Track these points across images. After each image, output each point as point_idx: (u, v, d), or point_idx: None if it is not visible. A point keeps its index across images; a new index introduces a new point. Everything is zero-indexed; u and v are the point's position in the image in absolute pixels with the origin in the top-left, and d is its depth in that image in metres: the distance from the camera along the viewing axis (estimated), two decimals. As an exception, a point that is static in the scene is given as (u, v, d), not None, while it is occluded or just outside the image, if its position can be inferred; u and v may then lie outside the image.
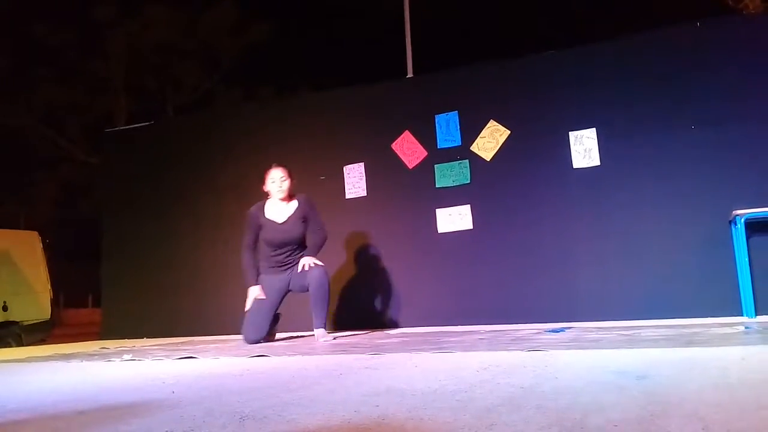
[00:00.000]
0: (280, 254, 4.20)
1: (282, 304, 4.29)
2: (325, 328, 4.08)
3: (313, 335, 4.09)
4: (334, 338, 4.05)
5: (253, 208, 4.28)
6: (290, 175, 4.25)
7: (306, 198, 4.29)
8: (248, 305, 4.15)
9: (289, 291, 4.25)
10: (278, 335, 4.48)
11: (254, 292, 4.17)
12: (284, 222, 4.20)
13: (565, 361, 2.19)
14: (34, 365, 3.29)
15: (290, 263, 4.21)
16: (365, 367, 2.35)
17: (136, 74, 19.14)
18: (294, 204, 4.25)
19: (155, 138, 6.49)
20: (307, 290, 4.08)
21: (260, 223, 4.22)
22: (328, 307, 4.10)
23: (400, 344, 3.31)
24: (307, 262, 4.10)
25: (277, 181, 4.21)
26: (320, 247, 4.23)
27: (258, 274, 4.23)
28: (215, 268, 5.85)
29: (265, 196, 4.31)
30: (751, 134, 4.37)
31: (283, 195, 4.21)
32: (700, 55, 4.56)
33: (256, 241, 4.25)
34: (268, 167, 4.26)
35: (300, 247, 4.25)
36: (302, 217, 4.22)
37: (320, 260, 4.13)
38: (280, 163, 4.29)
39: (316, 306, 4.05)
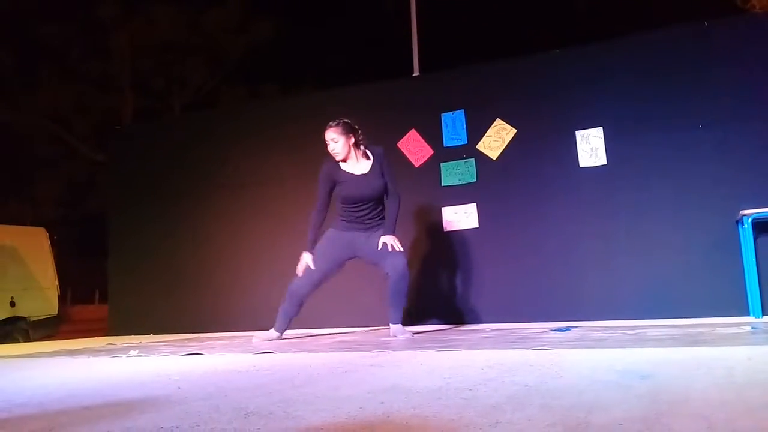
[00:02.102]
0: (358, 210, 3.86)
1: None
2: (402, 323, 3.87)
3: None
4: (413, 334, 3.81)
5: (326, 165, 3.89)
6: (345, 131, 3.82)
7: (381, 152, 3.92)
8: (299, 270, 3.91)
9: (354, 257, 3.98)
10: (287, 332, 4.45)
11: (305, 260, 3.89)
12: (364, 174, 3.85)
13: (569, 360, 2.19)
14: (41, 361, 3.31)
15: (367, 222, 3.89)
16: (370, 364, 2.35)
17: (142, 72, 19.20)
18: (369, 159, 3.90)
19: (162, 135, 6.51)
20: (375, 264, 3.90)
21: (335, 179, 3.85)
22: (406, 301, 3.92)
23: (405, 342, 3.32)
24: (389, 242, 3.80)
25: (330, 143, 3.84)
26: (397, 218, 3.89)
27: (315, 242, 3.91)
28: (222, 264, 5.86)
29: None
30: (759, 133, 4.34)
31: (340, 158, 3.84)
32: (707, 54, 4.54)
33: (328, 201, 3.91)
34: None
35: (379, 205, 3.92)
36: (380, 171, 3.87)
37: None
38: (334, 123, 3.87)
39: (395, 298, 3.83)
